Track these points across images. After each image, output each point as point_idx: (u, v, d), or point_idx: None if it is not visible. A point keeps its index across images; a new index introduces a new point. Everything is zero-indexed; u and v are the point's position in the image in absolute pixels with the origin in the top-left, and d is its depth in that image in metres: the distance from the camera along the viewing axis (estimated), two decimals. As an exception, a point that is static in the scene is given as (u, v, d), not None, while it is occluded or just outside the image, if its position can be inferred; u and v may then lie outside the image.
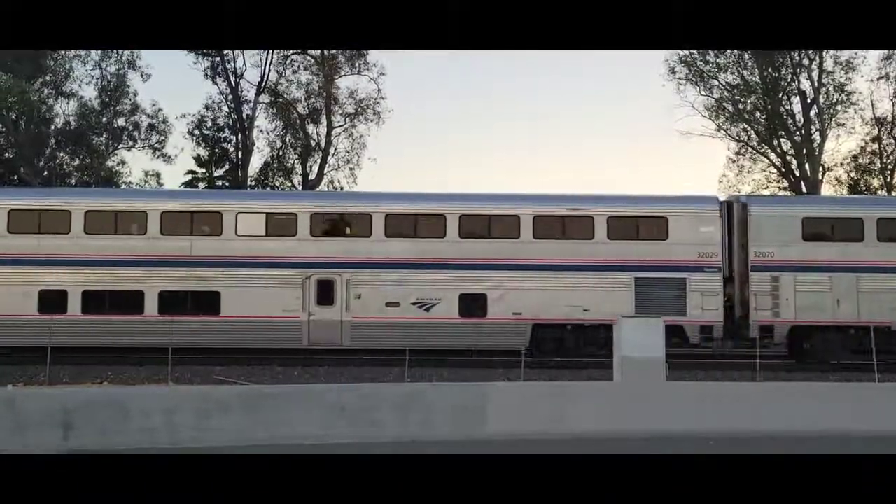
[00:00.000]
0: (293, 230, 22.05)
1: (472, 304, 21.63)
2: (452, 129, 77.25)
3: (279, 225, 22.18)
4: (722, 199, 23.21)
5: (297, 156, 42.68)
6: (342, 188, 41.93)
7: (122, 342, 21.34)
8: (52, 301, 21.38)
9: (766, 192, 40.29)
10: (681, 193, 23.42)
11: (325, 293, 21.70)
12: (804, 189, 38.13)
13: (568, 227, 22.06)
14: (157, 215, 21.91)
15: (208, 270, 21.71)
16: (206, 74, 41.39)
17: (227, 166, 43.74)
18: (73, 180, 40.65)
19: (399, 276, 21.75)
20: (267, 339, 21.50)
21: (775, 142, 40.04)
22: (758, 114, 40.20)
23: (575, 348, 21.73)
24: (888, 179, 39.66)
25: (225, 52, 40.43)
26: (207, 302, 21.59)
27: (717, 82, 40.31)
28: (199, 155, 43.80)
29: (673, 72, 39.99)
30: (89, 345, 21.26)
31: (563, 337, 21.79)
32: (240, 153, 42.39)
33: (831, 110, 38.67)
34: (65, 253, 21.64)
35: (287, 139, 42.55)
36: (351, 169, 42.29)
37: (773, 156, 40.33)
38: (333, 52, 40.50)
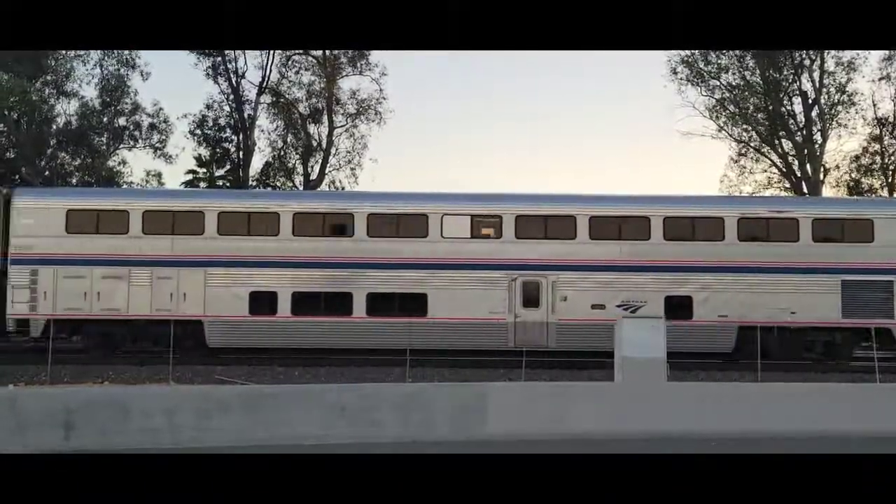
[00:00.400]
0: (498, 232, 22.16)
1: (678, 307, 21.58)
2: (453, 129, 77.40)
3: (484, 227, 22.33)
4: None
5: (298, 156, 42.70)
6: (343, 188, 41.96)
7: (331, 343, 21.55)
8: (263, 302, 21.58)
9: (768, 193, 40.33)
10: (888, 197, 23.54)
11: (531, 295, 21.80)
12: (805, 190, 38.12)
13: (772, 229, 22.12)
14: (363, 218, 22.03)
15: (415, 272, 21.81)
16: (208, 74, 41.48)
17: (228, 166, 43.78)
18: (74, 180, 40.69)
19: (604, 279, 21.84)
20: (473, 341, 21.53)
21: (776, 142, 40.04)
22: (759, 114, 40.19)
23: (780, 351, 21.54)
24: (889, 180, 39.66)
25: (226, 52, 40.46)
26: (415, 304, 21.70)
27: (718, 83, 40.34)
28: (199, 155, 43.87)
29: (675, 72, 40.02)
30: (298, 346, 21.46)
31: (768, 339, 21.55)
32: (241, 153, 42.42)
33: (833, 111, 38.67)
34: (274, 255, 21.78)
35: (288, 139, 42.58)
36: (352, 169, 42.39)
37: (774, 156, 40.33)
38: (335, 52, 40.55)
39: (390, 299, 21.75)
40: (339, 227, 22.18)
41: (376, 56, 41.27)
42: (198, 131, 42.16)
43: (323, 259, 21.78)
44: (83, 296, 21.32)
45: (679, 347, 20.75)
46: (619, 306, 21.60)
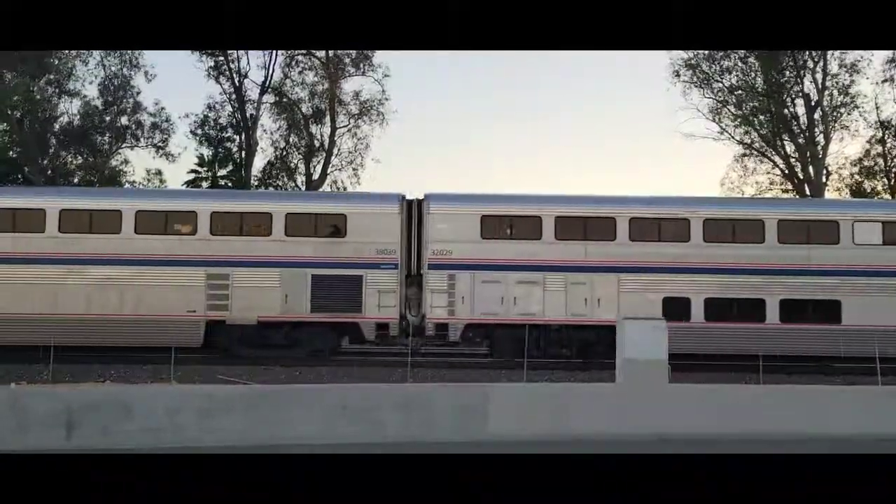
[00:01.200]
0: None
1: None
2: (452, 129, 77.32)
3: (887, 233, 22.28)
4: None
5: (300, 156, 42.72)
6: (345, 188, 41.96)
7: (743, 349, 21.44)
8: (676, 308, 21.53)
9: (769, 195, 40.26)
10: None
11: None
12: (808, 192, 38.07)
13: None
14: (773, 224, 22.10)
15: (827, 279, 21.84)
16: (209, 74, 41.52)
17: (230, 166, 43.83)
18: (77, 179, 40.76)
19: None
20: (887, 349, 20.94)
21: (779, 144, 39.99)
22: (761, 116, 40.13)
23: None
24: (891, 182, 39.61)
25: (228, 51, 40.51)
26: (827, 311, 21.71)
27: (721, 85, 40.28)
28: (202, 154, 43.95)
29: (677, 74, 39.97)
30: (711, 352, 21.39)
31: None
32: (243, 153, 42.45)
33: (835, 113, 38.62)
34: (686, 261, 21.91)
35: (290, 139, 42.61)
36: (354, 170, 42.40)
37: (777, 158, 40.29)
38: (338, 53, 40.59)
39: (803, 306, 21.72)
40: (749, 232, 22.19)
41: (379, 57, 41.39)
42: (199, 131, 42.30)
43: (735, 265, 21.87)
44: (500, 300, 21.61)
45: None
46: None
